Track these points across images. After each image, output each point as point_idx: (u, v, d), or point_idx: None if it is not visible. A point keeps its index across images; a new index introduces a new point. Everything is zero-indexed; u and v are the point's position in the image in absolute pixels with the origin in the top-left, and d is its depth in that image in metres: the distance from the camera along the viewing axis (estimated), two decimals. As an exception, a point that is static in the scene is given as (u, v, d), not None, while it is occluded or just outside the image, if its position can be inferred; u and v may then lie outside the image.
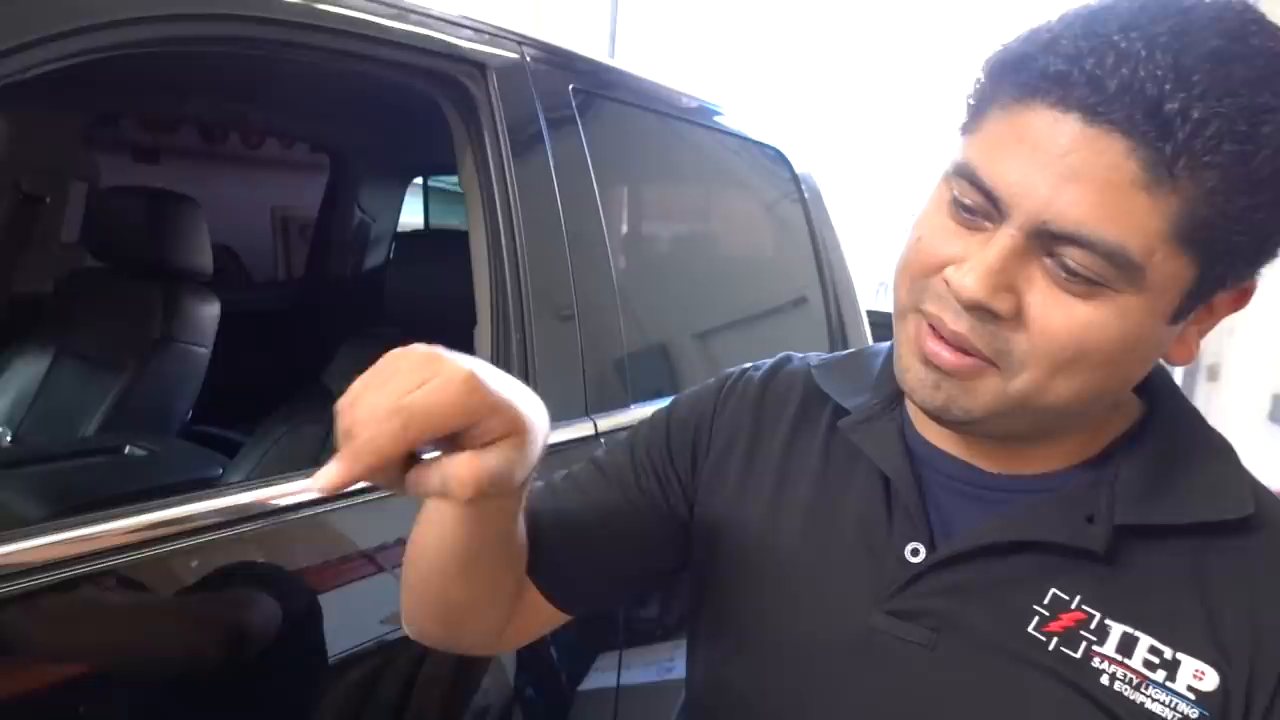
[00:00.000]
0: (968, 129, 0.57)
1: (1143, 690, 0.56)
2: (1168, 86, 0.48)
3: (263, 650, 0.97)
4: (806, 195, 2.06)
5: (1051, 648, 0.58)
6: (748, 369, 0.80)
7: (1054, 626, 0.59)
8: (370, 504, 1.04)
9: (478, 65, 1.27)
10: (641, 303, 1.49)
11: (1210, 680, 0.56)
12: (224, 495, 0.97)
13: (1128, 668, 0.57)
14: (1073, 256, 0.52)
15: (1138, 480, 0.60)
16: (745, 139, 1.95)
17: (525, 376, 1.25)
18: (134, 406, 2.01)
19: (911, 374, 0.59)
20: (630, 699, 1.41)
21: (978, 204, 0.55)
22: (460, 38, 1.26)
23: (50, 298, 2.25)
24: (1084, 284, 0.52)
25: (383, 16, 1.14)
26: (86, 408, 2.01)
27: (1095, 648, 0.58)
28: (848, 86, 4.10)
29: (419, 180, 3.24)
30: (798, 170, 2.06)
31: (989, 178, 0.53)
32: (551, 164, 1.34)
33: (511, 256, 1.26)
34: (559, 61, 1.43)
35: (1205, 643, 0.56)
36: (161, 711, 0.91)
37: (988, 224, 0.55)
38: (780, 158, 2.03)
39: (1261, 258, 0.55)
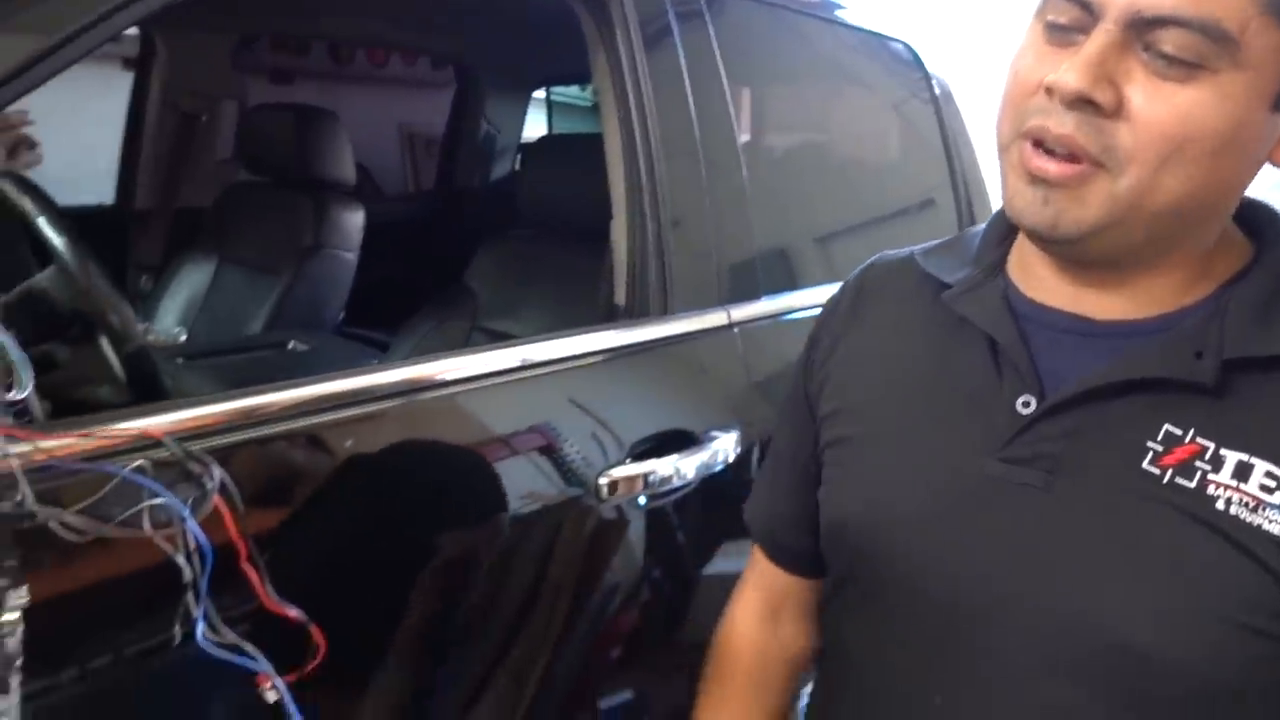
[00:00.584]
0: None
1: (1260, 512, 0.58)
2: None
3: (422, 514, 1.07)
4: (938, 94, 2.01)
5: (1166, 480, 0.60)
6: (840, 286, 0.83)
7: (1168, 460, 0.60)
8: (525, 381, 1.13)
9: (612, -33, 1.29)
10: (770, 199, 1.51)
11: None
12: (391, 370, 1.06)
13: (1244, 492, 0.58)
14: (1169, 40, 0.54)
15: (1246, 315, 0.61)
16: (874, 35, 1.91)
17: (660, 270, 1.30)
18: (292, 309, 2.17)
19: (1019, 197, 0.60)
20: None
21: (1071, 17, 0.58)
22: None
23: (210, 211, 2.43)
24: (1183, 68, 0.55)
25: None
26: (250, 310, 2.18)
27: (1210, 476, 0.59)
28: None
29: (539, 95, 3.30)
30: (929, 68, 2.01)
31: None
32: (682, 62, 1.36)
33: (646, 155, 1.30)
34: (689, -40, 1.43)
35: None
36: (327, 563, 1.01)
37: (1081, 36, 0.57)
38: (911, 55, 1.98)
39: None
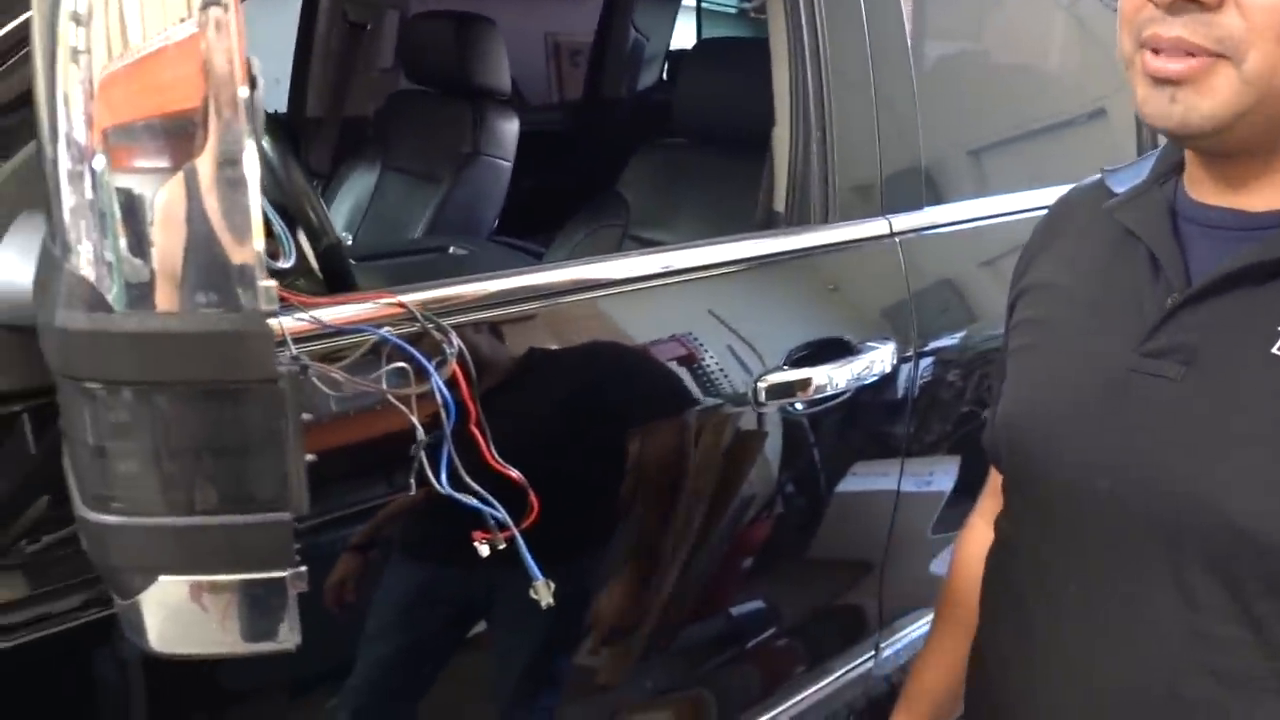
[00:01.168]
0: None
1: None
2: None
3: (593, 408, 1.13)
4: (1119, -10, 1.88)
5: None
6: None
7: None
8: (687, 284, 1.16)
9: None
10: (935, 107, 1.46)
11: None
12: (553, 270, 1.13)
13: None
14: None
15: None
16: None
17: (823, 177, 1.29)
18: (450, 216, 2.26)
19: (1149, 104, 0.62)
20: (911, 505, 1.49)
21: None
22: None
23: (374, 119, 2.53)
24: None
25: None
26: (412, 216, 2.28)
27: None
28: None
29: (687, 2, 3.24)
30: (1112, -35, 1.87)
31: None
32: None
33: (814, 59, 1.28)
34: None
35: None
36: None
37: None
38: (1092, -51, 1.85)
39: None
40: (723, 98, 1.65)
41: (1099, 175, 0.80)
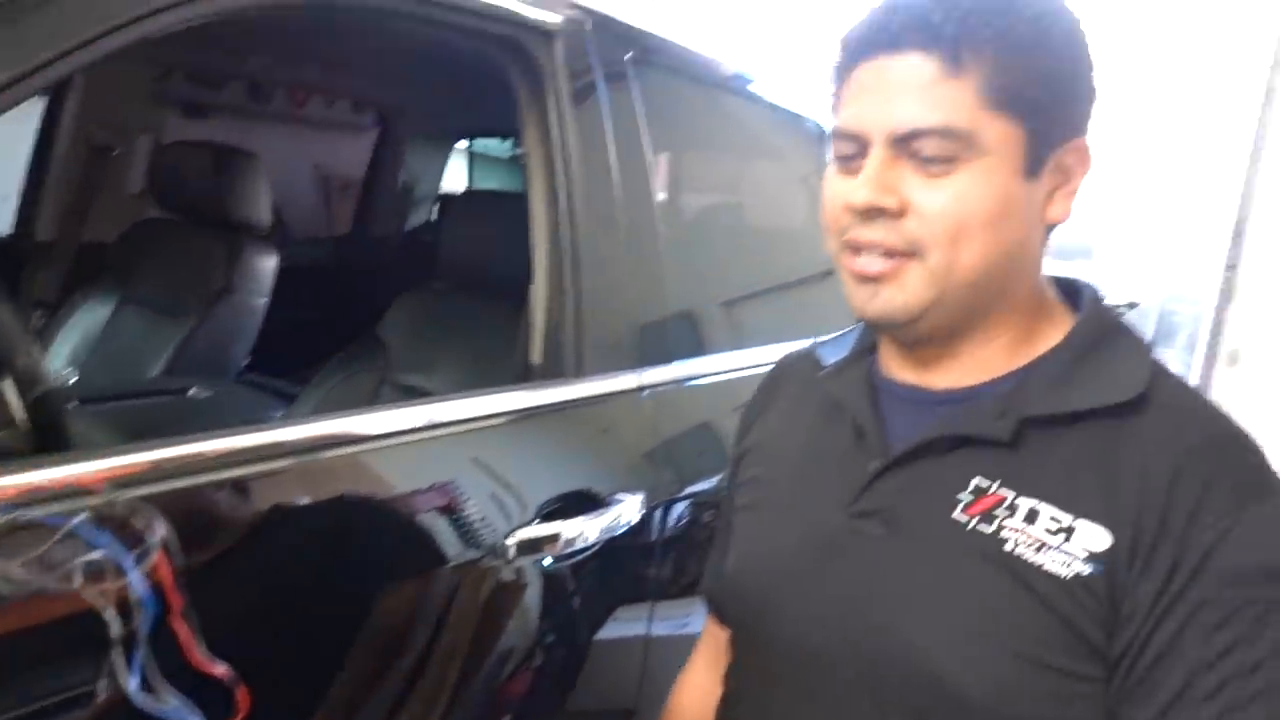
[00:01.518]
0: (833, 108, 0.75)
1: (1042, 553, 0.66)
2: (930, 6, 0.67)
3: (326, 573, 1.06)
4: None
5: (970, 528, 0.69)
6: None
7: (974, 510, 0.69)
8: (438, 439, 1.14)
9: (544, 33, 1.33)
10: (682, 265, 1.56)
11: (1103, 540, 0.65)
12: (295, 425, 1.06)
13: (1030, 535, 0.67)
14: (925, 146, 0.68)
15: (1047, 378, 0.71)
16: (787, 111, 2.00)
17: (576, 332, 1.33)
18: (195, 353, 2.12)
19: (855, 296, 0.73)
20: (662, 649, 1.49)
21: (852, 150, 0.71)
22: (529, 4, 1.32)
23: (114, 247, 2.35)
24: (942, 164, 0.68)
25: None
26: (150, 353, 2.12)
27: (1005, 522, 0.68)
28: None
29: (460, 146, 3.32)
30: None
31: (850, 125, 0.71)
32: (608, 129, 1.40)
33: (569, 217, 1.33)
34: (618, 30, 1.48)
35: (1101, 509, 0.66)
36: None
37: (862, 161, 0.70)
38: (820, 131, 2.08)
39: (1068, 112, 0.70)
40: (485, 248, 1.68)
41: (810, 345, 0.89)
